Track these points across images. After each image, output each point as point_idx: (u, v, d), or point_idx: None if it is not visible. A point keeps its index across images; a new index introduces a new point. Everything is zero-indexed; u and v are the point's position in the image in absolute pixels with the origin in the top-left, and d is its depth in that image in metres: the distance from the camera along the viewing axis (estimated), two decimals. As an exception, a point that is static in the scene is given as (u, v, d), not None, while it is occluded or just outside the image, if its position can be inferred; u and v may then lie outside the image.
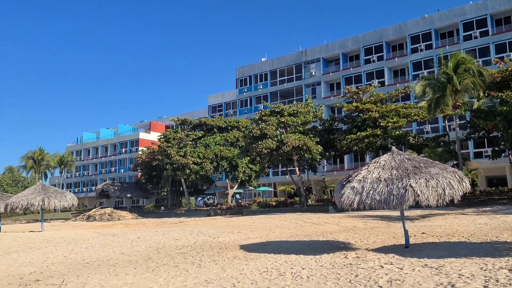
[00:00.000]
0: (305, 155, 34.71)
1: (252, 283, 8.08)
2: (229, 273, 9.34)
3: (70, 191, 53.35)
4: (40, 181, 45.30)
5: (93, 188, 69.98)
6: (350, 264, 9.40)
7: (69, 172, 75.54)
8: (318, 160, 36.53)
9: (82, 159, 77.05)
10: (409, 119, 34.53)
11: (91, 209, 48.05)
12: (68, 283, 9.61)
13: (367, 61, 47.98)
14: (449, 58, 30.81)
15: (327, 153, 37.37)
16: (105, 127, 79.29)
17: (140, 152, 56.30)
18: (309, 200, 39.02)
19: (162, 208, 51.81)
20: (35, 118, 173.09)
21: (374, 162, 11.32)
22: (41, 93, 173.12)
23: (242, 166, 42.95)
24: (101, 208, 46.17)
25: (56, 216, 49.17)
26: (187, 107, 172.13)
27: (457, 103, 29.10)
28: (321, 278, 8.13)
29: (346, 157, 45.14)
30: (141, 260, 12.40)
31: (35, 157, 67.97)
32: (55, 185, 55.91)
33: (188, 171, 41.72)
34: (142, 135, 71.14)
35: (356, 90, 36.93)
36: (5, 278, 10.92)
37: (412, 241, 12.31)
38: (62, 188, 60.35)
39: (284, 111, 36.42)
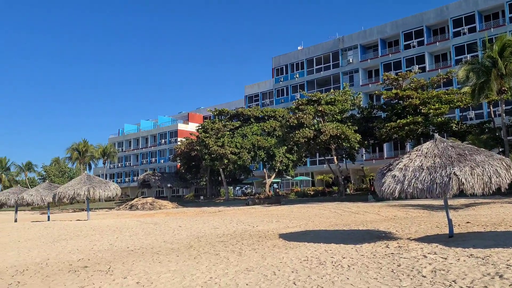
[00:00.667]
0: (343, 144, 34.30)
1: (292, 272, 8.14)
2: (269, 262, 9.43)
3: (113, 181, 55.11)
4: (85, 171, 47.00)
5: (135, 178, 72.00)
6: (391, 253, 9.28)
7: (111, 163, 77.91)
8: (356, 148, 36.03)
9: (124, 150, 79.27)
10: (451, 105, 33.41)
11: (133, 199, 49.47)
12: (114, 270, 9.98)
13: (407, 47, 46.65)
14: (493, 41, 29.52)
15: (365, 142, 36.79)
16: (145, 119, 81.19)
17: (179, 143, 57.34)
18: (347, 189, 38.63)
19: (201, 197, 52.69)
20: (79, 111, 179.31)
21: (416, 150, 11.06)
22: (85, 86, 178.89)
23: (279, 156, 42.96)
24: (143, 197, 47.46)
25: (100, 205, 51.04)
26: (224, 97, 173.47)
27: (503, 88, 27.87)
28: (363, 267, 8.08)
29: (385, 145, 44.30)
30: (183, 248, 12.70)
31: (79, 149, 70.60)
32: (99, 176, 57.81)
33: (226, 161, 42.15)
34: (181, 126, 72.32)
35: (396, 77, 36.04)
36: (56, 265, 11.47)
37: (456, 230, 11.99)
38: (106, 179, 62.37)
39: (321, 99, 36.06)
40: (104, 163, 75.27)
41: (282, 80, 57.17)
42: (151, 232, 17.63)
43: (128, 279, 8.79)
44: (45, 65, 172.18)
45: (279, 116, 45.81)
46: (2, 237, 18.67)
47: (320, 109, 35.15)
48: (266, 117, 47.23)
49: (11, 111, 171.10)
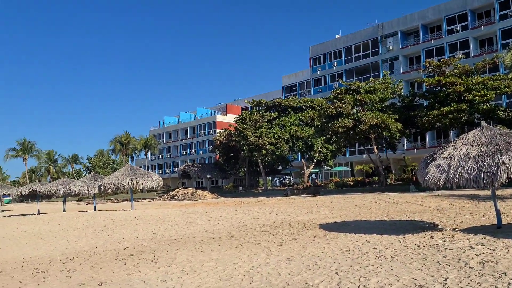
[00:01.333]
0: (384, 133, 33.62)
1: (334, 262, 8.11)
2: (310, 252, 9.43)
3: (155, 173, 56.51)
4: (128, 163, 48.32)
5: (175, 169, 73.49)
6: (436, 244, 9.07)
7: (153, 155, 79.80)
8: (397, 138, 35.23)
9: (164, 142, 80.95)
10: (498, 91, 31.95)
11: (174, 189, 50.57)
12: (159, 258, 10.28)
13: (450, 32, 44.98)
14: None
15: (407, 131, 35.90)
16: (184, 111, 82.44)
17: (217, 134, 57.96)
18: (388, 180, 37.92)
19: (240, 188, 53.15)
20: (121, 104, 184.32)
21: (461, 139, 10.71)
22: (126, 80, 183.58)
23: (318, 146, 42.64)
24: (183, 188, 48.43)
25: (143, 195, 52.48)
26: (262, 88, 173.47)
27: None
28: (406, 258, 7.95)
29: (427, 134, 43.08)
30: (224, 238, 12.90)
31: (122, 141, 72.74)
32: (141, 167, 59.44)
33: (264, 151, 42.25)
34: (219, 118, 73.03)
35: (438, 63, 34.83)
36: (103, 253, 11.92)
37: (504, 221, 11.58)
38: (148, 170, 64.04)
39: (361, 88, 35.42)
40: (145, 155, 77.23)
41: (319, 69, 56.51)
42: (192, 221, 17.99)
43: (173, 267, 9.03)
44: (88, 62, 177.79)
45: (317, 106, 45.38)
46: (53, 226, 19.57)
47: (359, 98, 34.55)
48: (304, 107, 46.91)
49: (59, 107, 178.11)
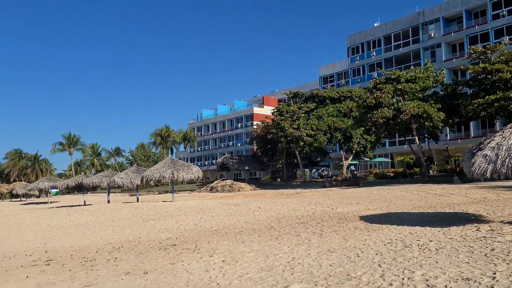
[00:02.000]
0: (425, 123, 32.65)
1: (377, 254, 8.01)
2: (352, 243, 9.35)
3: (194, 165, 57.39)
4: (168, 155, 49.28)
5: (214, 161, 74.42)
6: (484, 237, 8.79)
7: (192, 147, 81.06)
8: (440, 128, 34.13)
9: (202, 134, 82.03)
10: (549, 78, 30.34)
11: (213, 181, 51.21)
12: (200, 248, 10.48)
13: (495, 17, 42.99)
14: None
15: (450, 120, 34.71)
16: (222, 104, 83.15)
17: (255, 126, 58.12)
18: (430, 171, 36.88)
19: (278, 179, 53.19)
20: (160, 98, 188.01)
21: (510, 128, 10.28)
22: (165, 74, 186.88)
23: (357, 137, 42.00)
24: (222, 180, 48.95)
25: (182, 187, 53.51)
26: (298, 80, 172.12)
27: None
28: (452, 251, 7.74)
29: (472, 123, 41.52)
30: (264, 229, 12.98)
31: (162, 134, 74.34)
32: (180, 159, 60.60)
33: (302, 143, 42.03)
34: (256, 110, 73.20)
35: (483, 50, 33.38)
36: (147, 243, 12.27)
37: (557, 214, 11.06)
38: (187, 162, 65.18)
39: (401, 77, 34.50)
40: (185, 147, 78.57)
41: (358, 59, 55.48)
42: (232, 213, 18.20)
43: (214, 258, 9.18)
44: (130, 58, 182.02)
45: (356, 97, 44.63)
46: (98, 217, 20.30)
47: (400, 87, 33.68)
48: (342, 98, 46.23)
49: (102, 101, 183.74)
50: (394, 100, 34.87)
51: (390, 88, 33.89)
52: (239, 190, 39.99)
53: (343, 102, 45.07)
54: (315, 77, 65.94)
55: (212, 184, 45.43)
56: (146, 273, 8.31)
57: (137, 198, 31.20)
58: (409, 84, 33.89)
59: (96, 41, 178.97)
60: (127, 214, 20.57)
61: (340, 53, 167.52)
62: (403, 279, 6.10)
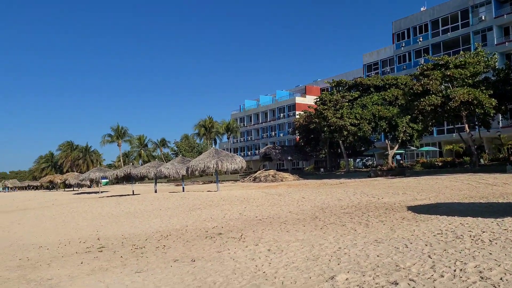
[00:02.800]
0: (476, 110, 31.29)
1: (426, 245, 7.81)
2: (399, 234, 9.17)
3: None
4: (212, 146, 49.93)
5: (256, 152, 74.76)
6: (541, 228, 8.37)
7: (234, 138, 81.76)
8: (491, 115, 32.62)
9: (245, 125, 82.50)
10: None
11: (256, 171, 51.50)
12: (246, 237, 10.60)
13: (554, -5, 40.36)
14: None
15: (502, 107, 33.09)
16: (264, 94, 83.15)
17: (297, 116, 57.77)
18: (481, 160, 35.41)
19: (322, 169, 52.76)
20: (204, 89, 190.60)
21: None
22: (207, 66, 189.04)
23: (403, 126, 40.86)
24: (265, 170, 49.14)
25: (226, 177, 54.18)
26: (341, 68, 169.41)
27: None
28: (507, 242, 7.42)
29: (527, 110, 39.44)
30: (309, 219, 12.94)
31: (206, 125, 75.43)
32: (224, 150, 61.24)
33: (345, 132, 41.40)
34: (298, 100, 72.69)
35: (540, 31, 31.53)
36: (193, 231, 12.55)
37: None
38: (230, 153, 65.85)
39: (450, 63, 33.17)
40: (228, 138, 79.36)
41: (403, 45, 53.79)
42: (276, 202, 18.26)
43: (260, 246, 9.26)
44: (174, 51, 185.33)
45: (401, 84, 43.34)
46: (146, 206, 20.94)
47: (448, 73, 32.39)
48: (386, 86, 45.05)
49: (147, 95, 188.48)
50: (443, 87, 33.60)
51: (438, 74, 32.69)
52: (282, 180, 39.99)
53: (388, 90, 43.93)
54: (358, 65, 64.67)
55: (255, 174, 45.67)
56: (194, 260, 8.50)
57: (183, 188, 31.86)
58: (458, 70, 32.54)
59: (144, 33, 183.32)
60: (174, 203, 21.08)
61: (385, 40, 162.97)
62: (455, 270, 5.92)
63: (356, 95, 45.21)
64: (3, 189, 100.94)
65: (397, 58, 54.80)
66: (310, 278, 6.36)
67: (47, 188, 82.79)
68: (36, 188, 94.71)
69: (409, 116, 38.68)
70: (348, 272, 6.41)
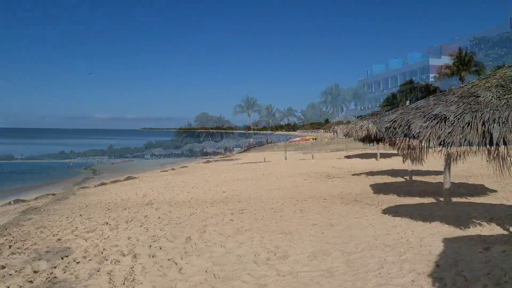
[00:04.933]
0: None
1: None
2: None
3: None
4: (343, 113, 49.38)
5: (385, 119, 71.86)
6: None
7: (362, 105, 79.64)
8: None
9: (373, 91, 79.59)
10: None
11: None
12: (383, 205, 10.50)
13: None
14: None
15: None
16: (394, 57, 78.91)
17: (431, 79, 53.86)
18: None
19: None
20: (329, 55, 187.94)
21: None
22: (334, 31, 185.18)
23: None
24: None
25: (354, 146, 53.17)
26: (482, 24, 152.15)
27: None
28: None
29: None
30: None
31: (332, 93, 74.71)
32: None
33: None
34: (432, 61, 67.50)
35: None
36: (329, 198, 12.76)
37: None
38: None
39: None
40: (355, 105, 77.70)
41: None
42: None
43: (396, 217, 9.11)
44: (304, 20, 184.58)
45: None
46: (288, 168, 21.84)
47: None
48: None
49: (275, 66, 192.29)
50: None
51: None
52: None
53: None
54: (504, 18, 57.28)
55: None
56: (332, 225, 8.74)
57: (312, 155, 32.29)
58: None
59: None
60: (305, 169, 21.70)
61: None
62: None
63: (502, 53, 40.50)
64: (150, 156, 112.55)
65: (555, 7, 47.32)
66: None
67: (187, 156, 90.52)
68: (178, 156, 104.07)
69: None
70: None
